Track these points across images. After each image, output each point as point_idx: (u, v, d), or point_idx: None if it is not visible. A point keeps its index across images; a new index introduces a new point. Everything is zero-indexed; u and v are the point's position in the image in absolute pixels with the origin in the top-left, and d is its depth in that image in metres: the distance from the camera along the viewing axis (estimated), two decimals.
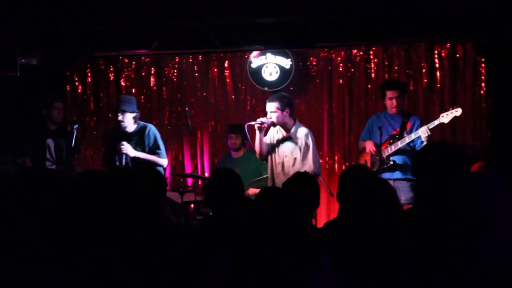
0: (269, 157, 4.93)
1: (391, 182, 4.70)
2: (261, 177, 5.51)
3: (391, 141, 5.00)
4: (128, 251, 2.61)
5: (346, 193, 2.93)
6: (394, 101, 5.08)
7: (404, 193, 4.80)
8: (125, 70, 6.66)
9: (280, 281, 2.46)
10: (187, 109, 5.69)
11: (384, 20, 5.40)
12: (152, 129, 5.16)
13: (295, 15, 5.35)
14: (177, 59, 6.60)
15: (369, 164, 5.08)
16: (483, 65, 5.99)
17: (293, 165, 4.79)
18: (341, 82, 6.37)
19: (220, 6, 5.19)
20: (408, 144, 4.93)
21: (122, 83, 6.66)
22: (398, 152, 4.96)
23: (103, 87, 6.68)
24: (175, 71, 6.64)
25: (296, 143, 4.81)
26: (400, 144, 4.93)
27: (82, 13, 5.23)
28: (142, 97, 6.64)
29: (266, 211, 2.70)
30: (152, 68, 6.65)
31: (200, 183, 6.22)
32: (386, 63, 6.24)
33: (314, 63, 6.43)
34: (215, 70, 6.58)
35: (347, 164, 6.25)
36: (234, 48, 6.16)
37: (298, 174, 3.49)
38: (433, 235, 2.20)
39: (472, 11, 5.17)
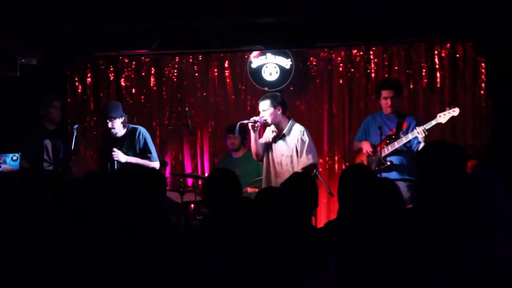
0: (265, 157, 4.94)
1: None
2: (261, 177, 5.50)
3: (388, 141, 4.99)
4: (128, 251, 2.61)
5: (345, 193, 2.93)
6: (388, 101, 5.08)
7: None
8: (125, 70, 6.66)
9: (280, 281, 2.45)
10: (187, 109, 5.68)
11: (384, 20, 5.40)
12: (142, 132, 5.15)
13: (295, 15, 5.35)
14: (177, 59, 6.60)
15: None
16: (483, 65, 5.99)
17: (291, 163, 4.80)
18: (341, 82, 6.37)
19: (220, 6, 5.19)
20: (404, 144, 4.94)
21: (122, 83, 6.66)
22: (394, 152, 4.96)
23: (103, 87, 6.67)
24: (175, 71, 6.64)
25: (291, 141, 4.82)
26: (396, 145, 4.93)
27: (82, 13, 5.22)
28: (142, 97, 6.64)
29: (265, 211, 2.70)
30: (152, 68, 6.64)
31: (200, 183, 6.22)
32: (386, 63, 6.25)
33: (314, 63, 6.43)
34: (215, 70, 6.57)
35: (347, 164, 6.25)
36: (234, 48, 6.16)
37: (296, 174, 3.50)
38: (433, 235, 2.20)
39: (472, 11, 5.17)
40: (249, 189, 5.49)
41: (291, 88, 6.35)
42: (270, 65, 6.33)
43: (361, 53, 6.28)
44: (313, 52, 6.38)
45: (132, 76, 6.66)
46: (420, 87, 6.17)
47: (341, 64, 6.35)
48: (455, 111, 4.83)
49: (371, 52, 6.26)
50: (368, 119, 5.33)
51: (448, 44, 6.07)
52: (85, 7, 5.19)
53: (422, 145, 4.81)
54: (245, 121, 4.89)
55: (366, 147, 5.11)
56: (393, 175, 4.91)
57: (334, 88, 6.39)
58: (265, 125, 4.98)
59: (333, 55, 6.35)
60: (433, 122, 4.83)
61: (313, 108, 6.46)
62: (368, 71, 6.30)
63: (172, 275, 2.57)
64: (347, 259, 2.56)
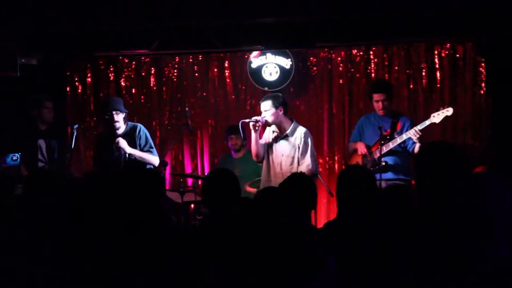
0: (265, 158, 4.94)
1: (383, 183, 4.72)
2: (260, 178, 5.50)
3: (382, 142, 4.99)
4: (128, 251, 2.61)
5: (344, 193, 2.92)
6: (380, 104, 5.08)
7: None
8: (125, 70, 6.66)
9: (280, 281, 2.45)
10: (187, 109, 5.68)
11: (384, 20, 5.39)
12: (142, 129, 5.17)
13: (295, 15, 5.35)
14: (177, 59, 6.60)
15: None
16: (483, 65, 5.99)
17: (291, 163, 4.79)
18: (341, 82, 6.37)
19: (220, 6, 5.19)
20: (399, 144, 4.93)
21: (122, 83, 6.66)
22: (389, 153, 4.95)
23: (103, 87, 6.67)
24: (175, 71, 6.64)
25: (293, 142, 4.81)
26: (391, 145, 4.92)
27: (82, 13, 5.22)
28: (142, 97, 6.64)
29: (265, 211, 2.70)
30: (152, 68, 6.64)
31: (200, 183, 6.22)
32: (386, 63, 6.25)
33: (314, 63, 6.43)
34: (215, 70, 6.58)
35: (348, 164, 6.25)
36: (234, 48, 6.16)
37: (294, 175, 3.49)
38: (433, 235, 2.20)
39: (472, 11, 5.16)
40: (248, 188, 5.49)
41: (291, 88, 6.35)
42: (270, 65, 6.33)
43: (361, 53, 6.28)
44: (313, 52, 6.38)
45: (132, 76, 6.66)
46: (420, 87, 6.17)
47: (341, 64, 6.35)
48: (449, 111, 4.82)
49: (371, 52, 6.26)
50: (362, 120, 5.33)
51: (448, 44, 6.07)
52: (85, 7, 5.19)
53: (417, 145, 4.82)
54: (247, 120, 4.87)
55: (361, 148, 5.11)
56: (388, 175, 4.91)
57: (334, 88, 6.40)
58: (266, 125, 4.97)
59: (333, 55, 6.36)
60: (427, 122, 4.83)
61: (313, 108, 6.46)
62: (368, 71, 6.30)
63: (172, 275, 2.57)
64: (347, 259, 2.56)
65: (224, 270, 2.55)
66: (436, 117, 4.84)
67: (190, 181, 6.29)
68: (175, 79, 6.64)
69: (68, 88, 6.63)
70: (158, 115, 6.64)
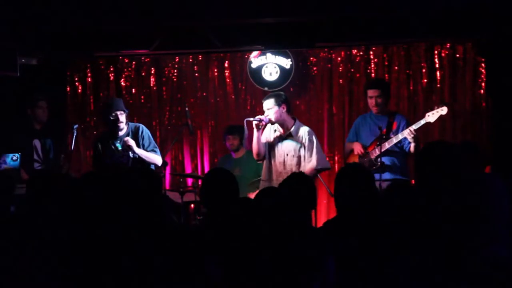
0: (266, 156, 4.93)
1: (380, 183, 4.72)
2: (260, 178, 5.50)
3: (378, 142, 4.98)
4: (128, 251, 2.61)
5: (343, 192, 2.92)
6: (373, 100, 5.07)
7: None
8: (125, 70, 6.66)
9: (279, 282, 2.45)
10: (187, 109, 5.68)
11: (384, 20, 5.39)
12: (144, 129, 5.20)
13: (295, 15, 5.34)
14: (177, 59, 6.60)
15: None
16: (483, 65, 5.99)
17: (297, 163, 4.78)
18: (341, 82, 6.37)
19: (220, 6, 5.19)
20: (395, 144, 4.93)
21: (122, 83, 6.66)
22: (386, 152, 4.93)
23: (103, 87, 6.68)
24: (175, 71, 6.64)
25: (297, 141, 4.81)
26: (387, 145, 4.91)
27: (82, 13, 5.22)
28: (142, 97, 6.64)
29: (265, 211, 2.70)
30: (152, 68, 6.65)
31: (200, 183, 6.22)
32: (386, 63, 6.25)
33: (314, 63, 6.43)
34: (215, 70, 6.58)
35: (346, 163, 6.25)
36: (234, 48, 6.16)
37: (294, 174, 3.49)
38: (433, 235, 2.20)
39: (472, 11, 5.16)
40: (251, 195, 5.47)
41: (291, 88, 6.35)
42: (270, 65, 6.33)
43: (361, 53, 6.28)
44: (313, 52, 6.38)
45: (132, 76, 6.66)
46: (420, 87, 6.17)
47: (341, 64, 6.36)
48: (443, 110, 4.82)
49: (371, 52, 6.27)
50: (359, 120, 5.32)
51: (448, 44, 6.07)
52: (85, 7, 5.19)
53: (413, 144, 4.82)
54: (251, 119, 4.86)
55: (357, 148, 5.10)
56: (385, 175, 4.90)
57: (334, 88, 6.40)
58: (269, 123, 4.95)
59: (333, 55, 6.36)
60: (422, 122, 4.83)
61: (313, 108, 6.47)
62: (368, 71, 6.30)
63: (172, 275, 2.57)
64: (347, 259, 2.56)
65: (224, 271, 2.55)
66: (431, 117, 4.84)
67: (190, 181, 6.29)
68: (175, 79, 6.64)
69: (68, 88, 6.64)
70: (158, 115, 6.65)
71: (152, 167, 5.10)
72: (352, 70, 6.33)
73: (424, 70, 6.14)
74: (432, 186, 2.41)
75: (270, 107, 4.81)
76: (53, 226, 2.77)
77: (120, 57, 6.56)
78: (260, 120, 4.79)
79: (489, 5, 5.08)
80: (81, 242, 2.67)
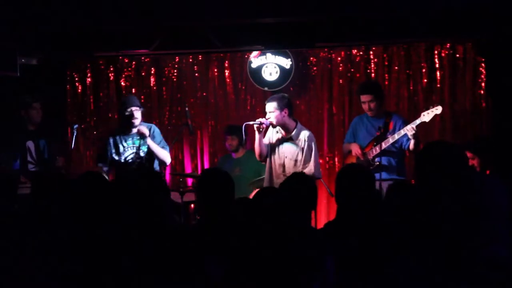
0: (268, 158, 4.93)
1: (380, 183, 4.72)
2: (260, 177, 5.50)
3: (375, 143, 4.98)
4: (128, 251, 2.61)
5: (343, 192, 2.92)
6: (367, 105, 5.06)
7: None
8: (125, 70, 6.66)
9: (279, 282, 2.45)
10: (187, 109, 5.68)
11: (384, 20, 5.39)
12: (156, 129, 5.24)
13: (295, 15, 5.34)
14: (177, 59, 6.60)
15: None
16: (483, 65, 5.99)
17: (294, 166, 4.78)
18: (341, 82, 6.37)
19: (220, 6, 5.19)
20: (392, 144, 4.93)
21: (122, 83, 6.66)
22: (383, 153, 4.92)
23: (103, 87, 6.68)
24: (175, 71, 6.64)
25: (297, 144, 4.80)
26: (384, 145, 4.91)
27: (82, 13, 5.22)
28: (142, 97, 6.62)
29: (265, 211, 2.70)
30: (152, 68, 6.65)
31: None
32: (386, 63, 6.25)
33: (314, 63, 6.43)
34: (215, 70, 6.58)
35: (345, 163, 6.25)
36: (234, 48, 6.16)
37: (295, 175, 3.48)
38: (433, 235, 2.20)
39: (472, 11, 5.16)
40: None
41: (291, 88, 6.35)
42: (270, 65, 6.33)
43: (361, 53, 6.28)
44: (313, 52, 6.38)
45: (132, 76, 6.67)
46: (420, 87, 6.17)
47: (341, 64, 6.35)
48: (438, 109, 4.83)
49: (371, 52, 6.26)
50: (356, 121, 5.32)
51: (448, 44, 6.07)
52: (85, 7, 5.19)
53: (412, 141, 4.82)
54: (251, 122, 4.85)
55: (356, 149, 5.10)
56: (382, 175, 4.90)
57: (334, 88, 6.40)
58: (270, 126, 4.94)
59: (333, 55, 6.36)
60: (418, 121, 4.82)
61: (313, 108, 6.47)
62: (368, 71, 6.30)
63: (172, 275, 2.57)
64: (347, 259, 2.56)
65: (224, 271, 2.55)
66: (426, 116, 4.84)
67: (190, 181, 6.29)
68: (175, 79, 6.64)
69: (68, 88, 6.64)
70: (158, 115, 6.65)
71: (157, 168, 5.11)
72: (352, 70, 6.32)
73: (424, 70, 6.14)
74: (432, 186, 2.41)
75: (272, 110, 4.79)
76: (53, 226, 2.77)
77: (120, 57, 6.56)
78: (261, 123, 4.79)
79: (489, 5, 5.07)
80: (81, 242, 2.67)
